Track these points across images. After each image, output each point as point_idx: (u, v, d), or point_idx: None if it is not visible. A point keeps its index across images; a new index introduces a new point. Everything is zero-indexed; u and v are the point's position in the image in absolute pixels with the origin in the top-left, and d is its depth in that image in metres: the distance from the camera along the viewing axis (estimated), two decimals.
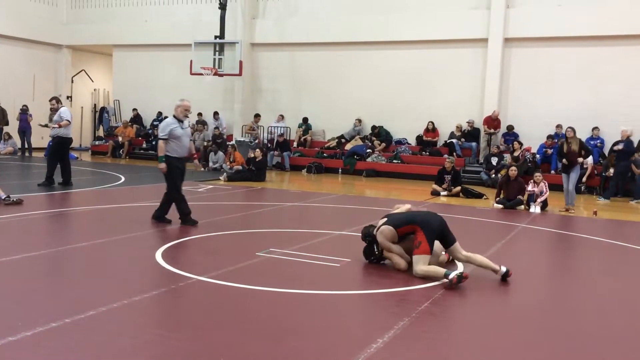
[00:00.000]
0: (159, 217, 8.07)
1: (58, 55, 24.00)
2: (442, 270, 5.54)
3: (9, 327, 3.82)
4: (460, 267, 5.98)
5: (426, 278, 5.55)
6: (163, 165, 7.83)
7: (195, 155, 8.52)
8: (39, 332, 3.78)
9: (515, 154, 15.60)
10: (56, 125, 11.16)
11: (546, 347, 3.99)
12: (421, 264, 5.63)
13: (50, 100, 11.39)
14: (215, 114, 20.85)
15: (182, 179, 8.12)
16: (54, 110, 11.27)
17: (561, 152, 11.73)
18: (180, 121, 7.95)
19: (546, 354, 3.87)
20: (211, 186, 13.19)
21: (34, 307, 4.32)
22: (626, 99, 16.08)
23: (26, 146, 20.49)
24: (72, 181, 11.47)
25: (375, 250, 6.12)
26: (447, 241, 5.90)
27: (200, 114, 21.16)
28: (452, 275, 5.35)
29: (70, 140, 11.49)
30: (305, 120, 19.93)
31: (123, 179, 13.71)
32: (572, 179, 11.53)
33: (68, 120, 11.20)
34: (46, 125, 11.81)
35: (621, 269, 6.74)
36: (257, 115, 20.02)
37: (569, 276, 6.45)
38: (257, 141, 18.75)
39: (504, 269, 5.75)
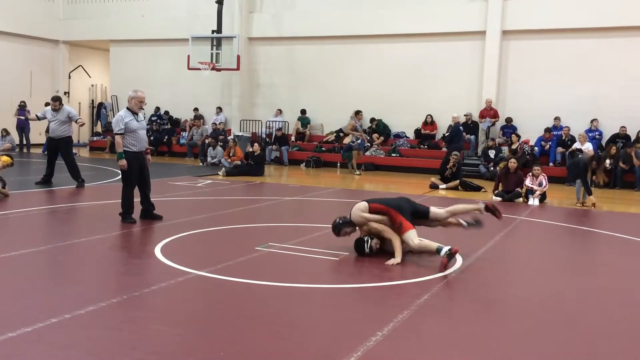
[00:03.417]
0: (147, 214, 7.89)
1: (55, 51, 23.93)
2: (434, 245, 5.84)
3: (9, 323, 3.83)
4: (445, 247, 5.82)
5: (422, 251, 6.03)
6: (124, 162, 7.52)
7: (148, 150, 8.05)
8: (38, 328, 3.78)
9: (514, 146, 15.61)
10: (81, 122, 11.50)
11: (545, 339, 4.00)
12: (414, 238, 5.93)
13: (55, 102, 11.26)
14: (218, 109, 20.86)
15: (140, 175, 7.75)
16: (56, 111, 11.17)
17: (583, 169, 11.03)
18: (134, 113, 7.63)
19: (545, 346, 3.88)
20: (210, 181, 13.19)
21: (34, 303, 4.33)
22: (625, 90, 16.07)
23: (24, 142, 20.47)
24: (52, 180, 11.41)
25: (365, 239, 6.18)
26: (423, 213, 6.23)
27: (196, 109, 21.14)
28: (443, 252, 5.65)
29: (57, 146, 11.41)
30: (303, 112, 19.87)
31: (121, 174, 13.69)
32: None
33: (81, 120, 11.63)
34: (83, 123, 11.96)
35: (621, 261, 6.75)
36: (358, 112, 17.95)
37: (568, 268, 6.46)
38: (359, 141, 17.00)
39: (482, 204, 6.50)
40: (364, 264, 5.99)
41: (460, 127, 15.95)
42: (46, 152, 12.24)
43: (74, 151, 11.79)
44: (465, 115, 17.84)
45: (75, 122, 11.39)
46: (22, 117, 19.71)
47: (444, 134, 17.05)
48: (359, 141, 16.93)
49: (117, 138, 7.57)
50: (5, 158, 10.21)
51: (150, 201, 7.93)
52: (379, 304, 4.72)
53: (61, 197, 10.15)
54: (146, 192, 7.89)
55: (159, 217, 7.86)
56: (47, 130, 19.56)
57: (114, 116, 22.81)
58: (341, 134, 19.16)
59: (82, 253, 6.06)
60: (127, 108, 7.67)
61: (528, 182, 11.58)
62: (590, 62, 16.46)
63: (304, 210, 9.95)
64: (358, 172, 16.36)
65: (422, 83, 18.37)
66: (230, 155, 15.85)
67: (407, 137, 18.80)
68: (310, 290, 4.95)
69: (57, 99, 11.32)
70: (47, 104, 19.38)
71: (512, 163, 11.86)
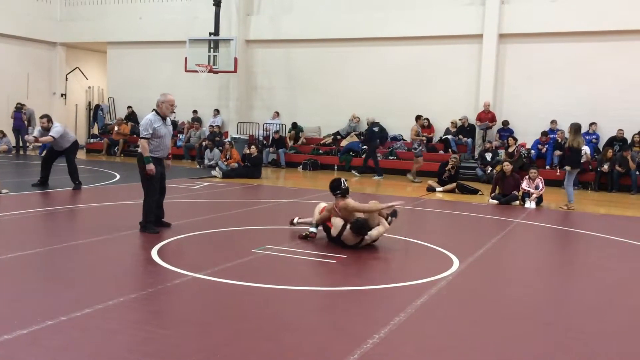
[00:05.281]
0: (156, 221, 7.52)
1: (52, 52, 23.90)
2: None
3: (5, 325, 3.82)
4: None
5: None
6: (152, 167, 7.09)
7: (170, 156, 7.69)
8: (35, 330, 3.77)
9: (510, 149, 15.63)
10: (32, 138, 11.22)
11: (540, 341, 4.01)
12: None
13: (41, 119, 11.15)
14: (215, 111, 20.85)
15: (160, 183, 7.39)
16: (45, 129, 11.04)
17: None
18: (163, 118, 7.24)
19: (540, 348, 3.89)
20: (207, 183, 13.18)
21: (30, 305, 4.32)
22: (622, 94, 16.12)
23: (21, 144, 20.42)
24: (49, 182, 11.27)
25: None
26: None
27: (195, 112, 21.15)
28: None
29: (62, 151, 11.22)
30: (294, 125, 19.89)
31: (118, 176, 13.69)
32: (572, 176, 11.38)
33: (52, 137, 10.88)
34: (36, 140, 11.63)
35: (616, 264, 6.77)
36: (419, 117, 16.29)
37: (564, 271, 6.48)
38: (421, 147, 15.95)
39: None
40: (361, 266, 6.00)
41: (374, 128, 16.91)
42: (42, 155, 12.14)
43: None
44: (459, 119, 17.89)
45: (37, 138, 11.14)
46: (21, 120, 19.70)
47: (362, 133, 18.51)
48: (420, 147, 15.98)
49: (143, 142, 7.12)
50: None
51: (162, 208, 7.64)
52: (376, 307, 4.72)
53: (58, 199, 10.13)
54: (160, 199, 7.58)
55: (167, 225, 7.56)
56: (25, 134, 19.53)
57: (110, 118, 23.03)
58: (338, 137, 19.19)
59: (79, 255, 6.05)
60: (156, 112, 7.24)
61: (525, 185, 11.60)
62: (587, 65, 16.50)
63: (301, 213, 9.92)
64: (418, 180, 15.26)
65: (419, 86, 18.39)
66: (227, 157, 15.85)
67: (404, 140, 18.81)
68: (307, 293, 4.95)
69: (44, 116, 11.15)
70: (21, 106, 19.79)
71: (507, 166, 11.88)
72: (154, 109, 7.28)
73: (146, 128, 7.12)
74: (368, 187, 14.22)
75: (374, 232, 6.74)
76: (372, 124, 17.08)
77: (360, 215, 6.80)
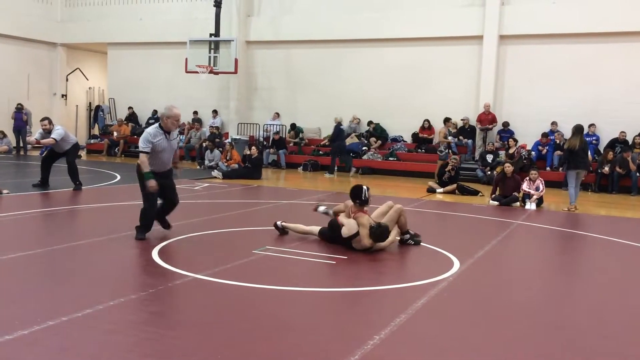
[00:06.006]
0: (159, 217, 7.37)
1: (52, 53, 23.92)
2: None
3: (6, 326, 3.82)
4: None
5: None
6: (153, 183, 6.67)
7: (177, 163, 7.49)
8: (35, 331, 3.78)
9: (511, 151, 15.64)
10: (34, 140, 11.13)
11: (541, 342, 4.01)
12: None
13: (42, 121, 11.13)
14: (214, 112, 20.87)
15: (162, 194, 7.07)
16: (46, 131, 11.02)
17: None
18: (166, 132, 6.84)
19: (541, 349, 3.89)
20: (207, 184, 13.19)
21: (31, 306, 4.32)
22: (622, 95, 16.13)
23: (21, 145, 20.44)
24: (49, 182, 11.22)
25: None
26: None
27: (195, 112, 21.16)
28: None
29: (62, 153, 11.14)
30: (293, 126, 19.92)
31: (119, 177, 13.70)
32: (572, 177, 11.29)
33: (54, 139, 10.78)
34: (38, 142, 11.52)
35: (615, 265, 6.77)
36: (448, 120, 17.20)
37: (564, 272, 6.48)
38: (447, 150, 15.70)
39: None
40: (361, 267, 5.99)
41: (341, 127, 17.45)
42: (43, 155, 12.13)
43: (78, 153, 11.68)
44: (461, 119, 17.90)
45: (38, 140, 11.07)
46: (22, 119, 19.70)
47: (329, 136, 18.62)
48: (447, 151, 15.63)
49: (142, 157, 6.69)
50: None
51: (168, 213, 7.39)
52: (376, 308, 4.72)
53: (58, 199, 10.13)
54: (169, 208, 7.37)
55: (168, 226, 7.40)
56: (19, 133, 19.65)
57: (111, 119, 23.04)
58: None
59: (79, 256, 6.05)
60: (159, 125, 6.85)
61: (525, 186, 11.61)
62: (588, 67, 16.52)
63: (301, 214, 9.94)
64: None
65: (419, 87, 18.41)
66: (227, 158, 15.87)
67: (404, 141, 18.83)
68: (308, 294, 4.95)
69: (45, 118, 11.13)
70: (21, 106, 19.80)
71: (508, 167, 11.90)
72: (158, 121, 6.96)
73: (145, 142, 6.71)
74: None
75: (385, 242, 6.63)
76: (339, 124, 17.41)
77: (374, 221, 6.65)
